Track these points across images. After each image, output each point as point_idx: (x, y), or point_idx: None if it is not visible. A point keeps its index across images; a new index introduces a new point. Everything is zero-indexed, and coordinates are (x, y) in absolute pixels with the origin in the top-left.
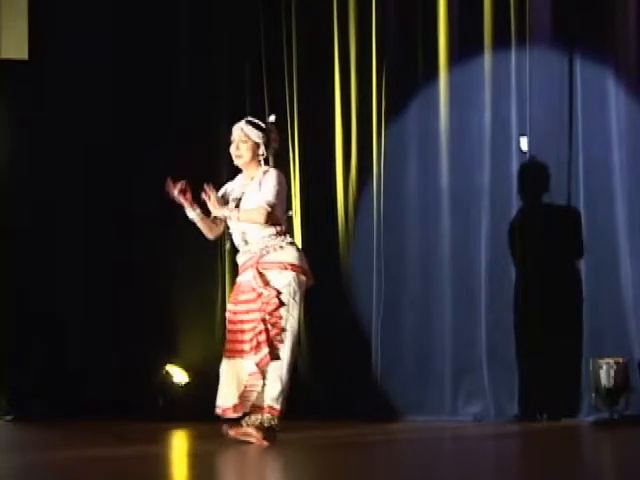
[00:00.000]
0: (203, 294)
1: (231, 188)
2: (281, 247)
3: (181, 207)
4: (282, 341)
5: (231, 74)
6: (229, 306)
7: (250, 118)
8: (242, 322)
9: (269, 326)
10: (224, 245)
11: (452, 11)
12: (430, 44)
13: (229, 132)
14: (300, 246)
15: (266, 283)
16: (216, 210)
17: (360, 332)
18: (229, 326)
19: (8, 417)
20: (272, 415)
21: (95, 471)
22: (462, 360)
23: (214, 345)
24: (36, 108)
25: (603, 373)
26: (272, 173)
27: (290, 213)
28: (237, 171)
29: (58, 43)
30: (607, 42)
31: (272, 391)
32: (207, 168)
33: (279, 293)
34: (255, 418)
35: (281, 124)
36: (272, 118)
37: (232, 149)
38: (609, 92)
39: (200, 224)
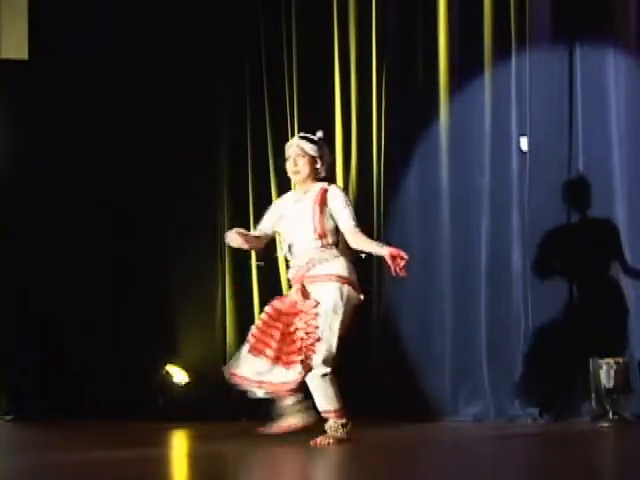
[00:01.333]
0: (203, 294)
1: (284, 207)
2: (327, 260)
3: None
4: (315, 351)
5: (231, 74)
6: (271, 306)
7: (302, 133)
8: (277, 329)
9: (304, 334)
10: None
11: (452, 11)
12: (430, 44)
13: (229, 132)
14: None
15: (306, 297)
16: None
17: (360, 331)
18: (262, 325)
19: (8, 417)
20: (336, 417)
21: (95, 471)
22: (462, 360)
23: (214, 345)
24: (36, 108)
25: (603, 373)
26: (337, 191)
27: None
28: (238, 171)
29: (58, 43)
30: (607, 41)
31: (322, 401)
32: (207, 168)
33: (317, 303)
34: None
35: (281, 124)
36: (320, 134)
37: (289, 165)
38: (609, 92)
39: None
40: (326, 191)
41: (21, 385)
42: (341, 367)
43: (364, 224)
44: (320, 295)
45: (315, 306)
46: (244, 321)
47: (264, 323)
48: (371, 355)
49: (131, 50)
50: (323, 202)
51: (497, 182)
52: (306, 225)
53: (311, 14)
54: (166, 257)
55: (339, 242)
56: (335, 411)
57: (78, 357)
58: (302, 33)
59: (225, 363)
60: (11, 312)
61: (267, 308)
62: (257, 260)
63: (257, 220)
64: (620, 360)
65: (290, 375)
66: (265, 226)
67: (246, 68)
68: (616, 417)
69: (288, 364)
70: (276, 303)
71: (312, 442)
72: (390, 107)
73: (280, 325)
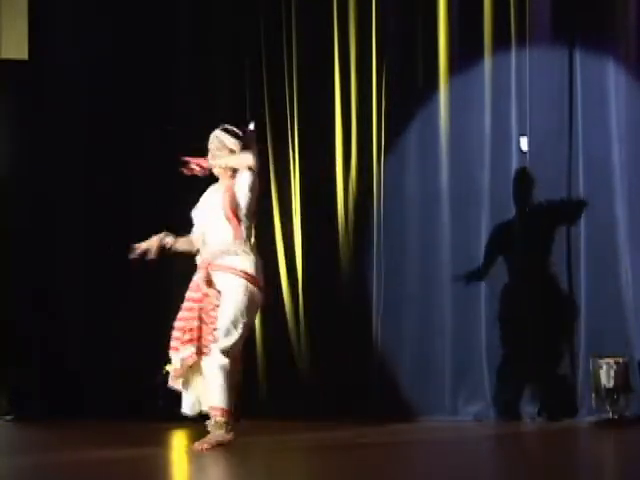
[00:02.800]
0: None
1: (201, 200)
2: (236, 253)
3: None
4: (214, 340)
5: (231, 74)
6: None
7: (226, 125)
8: (181, 319)
9: (203, 325)
10: None
11: (452, 11)
12: (430, 44)
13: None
14: (300, 245)
15: (209, 284)
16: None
17: (360, 332)
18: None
19: (8, 417)
20: (221, 416)
21: (95, 471)
22: (462, 360)
23: None
24: (36, 108)
25: (603, 373)
26: (245, 175)
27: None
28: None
29: (58, 43)
30: (607, 41)
31: (214, 393)
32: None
33: (219, 294)
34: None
35: (281, 124)
36: (252, 126)
37: (208, 158)
38: (609, 91)
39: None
40: (234, 178)
41: (21, 385)
42: (340, 368)
43: (364, 224)
44: (224, 287)
45: (216, 296)
46: None
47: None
48: (371, 355)
49: (131, 50)
50: (230, 187)
51: (497, 182)
52: (218, 212)
53: (311, 14)
54: (166, 257)
55: (251, 237)
56: (222, 409)
57: (78, 357)
58: (302, 33)
59: None
60: (11, 312)
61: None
62: None
63: (257, 220)
64: (620, 360)
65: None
66: (196, 229)
67: (246, 68)
68: (616, 417)
69: (183, 343)
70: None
71: (195, 446)
72: (390, 107)
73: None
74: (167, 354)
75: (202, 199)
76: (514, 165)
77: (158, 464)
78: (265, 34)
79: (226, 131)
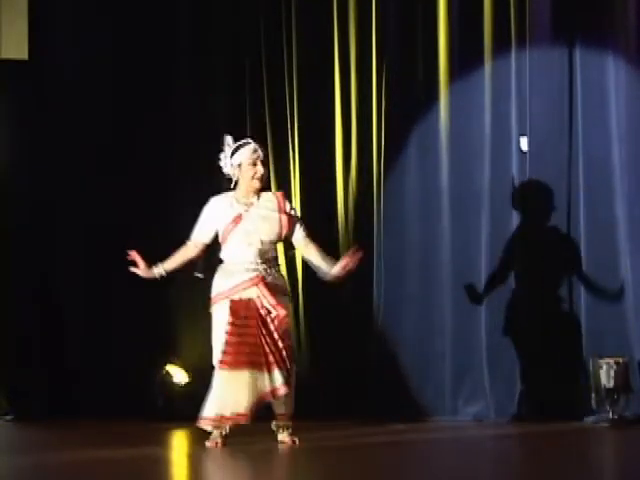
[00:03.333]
0: (203, 294)
1: (217, 212)
2: (277, 272)
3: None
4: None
5: (231, 74)
6: (232, 319)
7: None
8: (252, 335)
9: (280, 343)
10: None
11: (452, 11)
12: (430, 44)
13: (229, 132)
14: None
15: (278, 302)
16: (147, 273)
17: (360, 332)
18: (231, 339)
19: (8, 417)
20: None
21: (95, 471)
22: (462, 360)
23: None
24: (36, 108)
25: (603, 373)
26: (288, 204)
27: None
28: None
29: (58, 43)
30: (607, 41)
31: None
32: (207, 169)
33: (287, 315)
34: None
35: (281, 124)
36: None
37: (257, 172)
38: (609, 91)
39: (175, 267)
40: (284, 199)
41: (21, 385)
42: (340, 368)
43: (364, 224)
44: (285, 309)
45: (286, 316)
46: None
47: (232, 344)
48: (371, 355)
49: (131, 50)
50: (290, 216)
51: (497, 182)
52: (269, 230)
53: (311, 14)
54: (166, 257)
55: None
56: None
57: (78, 357)
58: (302, 33)
59: None
60: (11, 312)
61: (231, 319)
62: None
63: None
64: (620, 360)
65: (277, 380)
66: (202, 236)
67: (246, 68)
68: (616, 417)
69: (269, 369)
70: (233, 320)
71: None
72: (390, 107)
73: (245, 336)
74: (167, 354)
75: (219, 211)
76: (514, 165)
77: (158, 464)
78: (265, 34)
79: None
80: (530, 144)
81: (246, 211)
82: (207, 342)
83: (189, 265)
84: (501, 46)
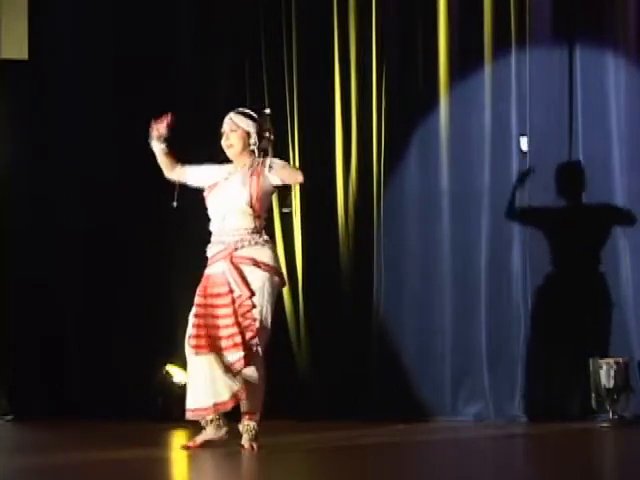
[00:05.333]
0: None
1: (217, 174)
2: (257, 243)
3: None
4: (257, 345)
5: (231, 73)
6: (198, 299)
7: (240, 108)
8: (215, 317)
9: (243, 329)
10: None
11: (452, 11)
12: (430, 44)
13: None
14: (300, 245)
15: (242, 279)
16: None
17: (360, 332)
18: (197, 320)
19: (8, 417)
20: (255, 421)
21: (95, 471)
22: (462, 360)
23: None
24: (36, 108)
25: (603, 373)
26: (277, 160)
27: (289, 210)
28: None
29: (58, 43)
30: (607, 41)
31: (252, 399)
32: None
33: (252, 294)
34: (248, 425)
35: (281, 124)
36: (268, 110)
37: (223, 141)
38: (609, 92)
39: (161, 158)
40: (263, 163)
41: (21, 385)
42: (340, 368)
43: (364, 224)
44: (251, 282)
45: (250, 297)
46: None
47: (199, 326)
48: (371, 355)
49: (131, 50)
50: (259, 173)
51: (497, 182)
52: (239, 197)
53: (311, 14)
54: (166, 257)
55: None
56: (256, 413)
57: (78, 357)
58: (302, 33)
59: None
60: (11, 312)
61: (197, 299)
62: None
63: None
64: (620, 360)
65: (231, 359)
66: (190, 171)
67: (246, 68)
68: (616, 417)
69: (226, 349)
70: (199, 300)
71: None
72: (390, 107)
73: (210, 318)
74: (166, 354)
75: (212, 171)
76: (514, 165)
77: (158, 464)
78: (265, 34)
79: (240, 113)
80: (530, 144)
81: (226, 179)
82: None
83: (171, 189)
84: (501, 46)
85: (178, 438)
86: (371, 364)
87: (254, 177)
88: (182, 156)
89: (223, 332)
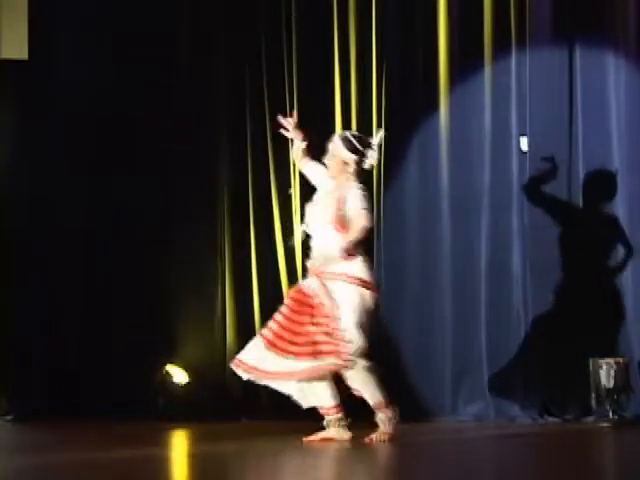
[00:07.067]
0: (203, 294)
1: (323, 177)
2: (344, 259)
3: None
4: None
5: (231, 75)
6: (288, 302)
7: (348, 134)
8: (301, 324)
9: (330, 338)
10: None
11: (452, 11)
12: (430, 44)
13: (229, 132)
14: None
15: (329, 295)
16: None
17: None
18: (279, 318)
19: (8, 417)
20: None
21: (95, 471)
22: (462, 360)
23: (214, 345)
24: (36, 108)
25: (603, 373)
26: (354, 190)
27: (290, 191)
28: (238, 171)
29: (58, 43)
30: (607, 41)
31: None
32: (207, 168)
33: (338, 307)
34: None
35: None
36: (379, 137)
37: (326, 158)
38: (609, 92)
39: (297, 153)
40: (351, 189)
41: (21, 385)
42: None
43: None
44: (341, 298)
45: (337, 309)
46: (244, 321)
47: (286, 318)
48: (371, 355)
49: (131, 50)
50: (343, 200)
51: (497, 182)
52: (330, 214)
53: (311, 14)
54: (166, 257)
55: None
56: (385, 402)
57: (78, 357)
58: (302, 33)
59: (225, 363)
60: (11, 312)
61: (288, 301)
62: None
63: (257, 219)
64: (620, 360)
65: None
66: (311, 165)
67: (246, 69)
68: (616, 417)
69: (302, 355)
70: (294, 294)
71: (367, 439)
72: (390, 107)
73: (294, 324)
74: (166, 354)
75: (323, 178)
76: (514, 165)
77: (158, 464)
78: (265, 34)
79: (344, 141)
80: (530, 144)
81: (327, 192)
82: (207, 342)
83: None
84: (501, 46)
85: (178, 438)
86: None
87: (341, 199)
88: (182, 155)
89: (302, 339)
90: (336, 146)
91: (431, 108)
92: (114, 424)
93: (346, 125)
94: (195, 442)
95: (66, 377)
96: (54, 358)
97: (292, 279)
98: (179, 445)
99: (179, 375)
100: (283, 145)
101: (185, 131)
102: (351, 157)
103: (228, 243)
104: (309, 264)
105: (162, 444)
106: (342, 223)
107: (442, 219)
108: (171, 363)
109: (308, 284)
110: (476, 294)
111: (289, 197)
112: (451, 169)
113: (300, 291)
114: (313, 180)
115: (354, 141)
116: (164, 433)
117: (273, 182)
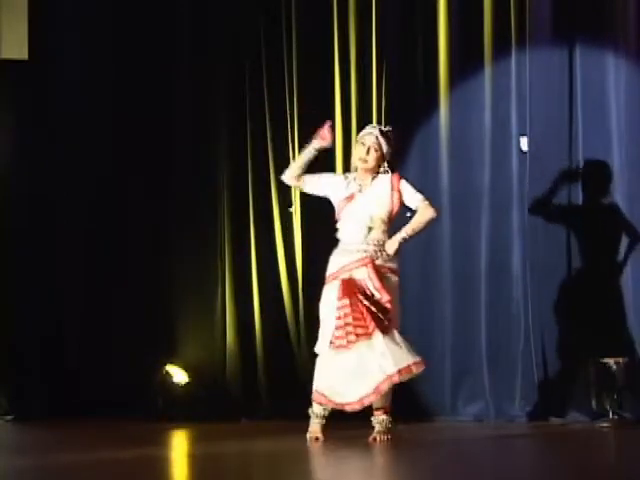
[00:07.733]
0: (203, 294)
1: (337, 182)
2: (388, 254)
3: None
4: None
5: (231, 74)
6: (347, 300)
7: (384, 128)
8: (359, 312)
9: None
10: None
11: (452, 11)
12: (430, 44)
13: (229, 132)
14: (300, 245)
15: (382, 285)
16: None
17: None
18: (345, 319)
19: (8, 417)
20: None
21: (95, 471)
22: (462, 360)
23: (214, 345)
24: (36, 108)
25: (603, 373)
26: (403, 182)
27: (291, 209)
28: (238, 171)
29: (58, 43)
30: (607, 41)
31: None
32: (207, 168)
33: (390, 300)
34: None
35: (281, 124)
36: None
37: (361, 152)
38: (609, 92)
39: (301, 163)
40: (399, 180)
41: (21, 385)
42: None
43: None
44: (388, 287)
45: (389, 301)
46: (244, 321)
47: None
48: None
49: (131, 50)
50: (398, 188)
51: (497, 182)
52: (381, 209)
53: (311, 14)
54: (166, 257)
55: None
56: (388, 407)
57: (78, 357)
58: (302, 33)
59: (225, 363)
60: (11, 312)
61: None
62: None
63: (257, 219)
64: (620, 360)
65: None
66: (310, 179)
67: (246, 68)
68: (616, 417)
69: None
70: (346, 286)
71: (371, 439)
72: (390, 107)
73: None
74: (166, 354)
75: (337, 182)
76: (514, 165)
77: (158, 464)
78: (265, 34)
79: (384, 135)
80: (530, 144)
81: (359, 192)
82: (207, 342)
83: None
84: (501, 46)
85: (178, 438)
86: None
87: (395, 192)
88: (182, 155)
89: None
90: (379, 141)
91: (431, 108)
92: (114, 424)
93: (346, 125)
94: (195, 442)
95: (66, 377)
96: (54, 358)
97: (292, 279)
98: (179, 445)
99: (179, 375)
100: (283, 146)
101: (185, 131)
102: (389, 151)
103: (228, 243)
104: (348, 257)
105: (162, 444)
106: (395, 216)
107: (442, 219)
108: (171, 363)
109: (356, 276)
110: (476, 294)
111: (290, 215)
112: (451, 169)
113: (348, 284)
114: (321, 192)
115: (390, 135)
116: (164, 433)
117: (273, 182)
